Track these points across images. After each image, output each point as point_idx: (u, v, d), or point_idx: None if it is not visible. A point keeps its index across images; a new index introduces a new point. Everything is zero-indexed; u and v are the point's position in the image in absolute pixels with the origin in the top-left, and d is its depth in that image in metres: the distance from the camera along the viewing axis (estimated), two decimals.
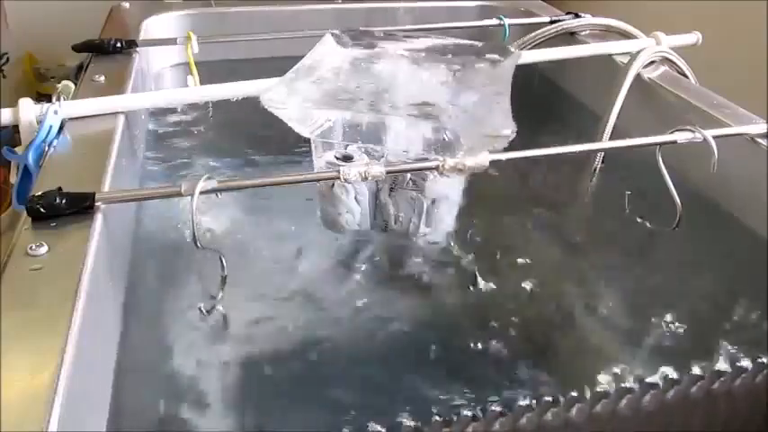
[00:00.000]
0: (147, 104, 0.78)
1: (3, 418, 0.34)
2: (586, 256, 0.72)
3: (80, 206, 0.50)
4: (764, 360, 0.57)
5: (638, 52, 0.88)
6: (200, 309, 0.57)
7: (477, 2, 1.18)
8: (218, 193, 0.52)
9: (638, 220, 0.71)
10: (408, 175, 0.59)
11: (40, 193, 0.50)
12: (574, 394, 0.52)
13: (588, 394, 0.53)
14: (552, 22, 1.02)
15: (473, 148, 0.55)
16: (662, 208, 0.63)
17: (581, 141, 0.66)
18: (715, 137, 0.62)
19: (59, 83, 0.73)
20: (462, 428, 0.50)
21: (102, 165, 0.58)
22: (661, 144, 0.62)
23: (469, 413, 0.50)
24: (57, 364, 0.38)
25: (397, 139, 0.58)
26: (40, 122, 0.63)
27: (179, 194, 0.51)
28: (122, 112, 0.70)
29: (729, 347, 0.58)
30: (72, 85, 0.74)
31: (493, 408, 0.51)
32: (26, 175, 0.59)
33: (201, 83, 0.83)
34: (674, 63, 0.90)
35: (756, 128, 0.70)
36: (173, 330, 0.58)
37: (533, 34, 1.00)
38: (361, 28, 0.77)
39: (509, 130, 0.54)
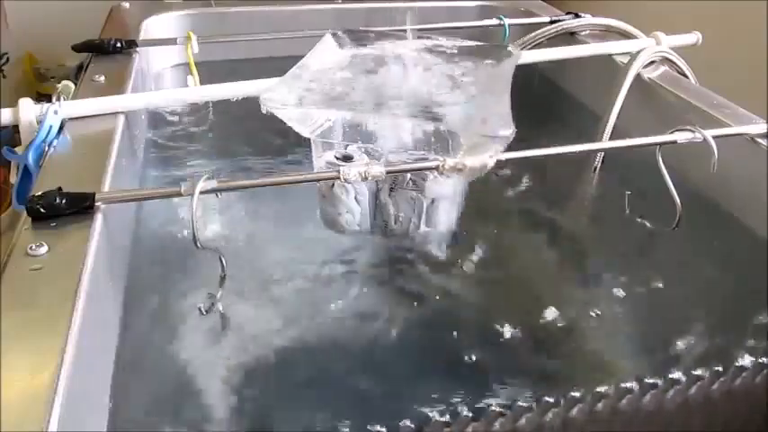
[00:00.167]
0: (147, 104, 0.78)
1: (3, 418, 0.34)
2: (586, 256, 0.72)
3: (80, 206, 0.50)
4: (764, 360, 0.57)
5: (638, 52, 0.88)
6: (199, 308, 0.57)
7: (477, 2, 1.18)
8: (219, 193, 0.52)
9: (638, 220, 0.71)
10: (408, 175, 0.59)
11: (40, 193, 0.50)
12: (574, 394, 0.52)
13: (588, 394, 0.53)
14: (552, 22, 1.02)
15: (473, 148, 0.55)
16: (662, 208, 0.63)
17: (581, 141, 0.66)
18: (715, 137, 0.62)
19: (59, 83, 0.73)
20: (462, 428, 0.50)
21: (102, 165, 0.58)
22: (661, 144, 0.62)
23: (470, 413, 0.50)
24: (57, 364, 0.38)
25: (397, 140, 0.58)
26: (40, 122, 0.63)
27: (179, 194, 0.51)
28: (122, 112, 0.70)
29: (729, 347, 0.58)
30: (72, 85, 0.74)
31: (493, 408, 0.51)
32: (26, 175, 0.59)
33: (201, 83, 0.83)
34: (674, 63, 0.90)
35: (756, 128, 0.70)
36: (173, 330, 0.58)
37: (533, 34, 1.00)
38: (361, 28, 0.77)
39: (509, 130, 0.54)
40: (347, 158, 0.58)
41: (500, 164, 0.56)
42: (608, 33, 1.01)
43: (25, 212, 0.50)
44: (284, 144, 0.82)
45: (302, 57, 0.67)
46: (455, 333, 0.60)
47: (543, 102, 1.06)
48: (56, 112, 0.64)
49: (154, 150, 0.86)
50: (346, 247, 0.69)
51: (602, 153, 0.81)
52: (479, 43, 0.74)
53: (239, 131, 0.91)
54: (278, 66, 0.65)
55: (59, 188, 0.51)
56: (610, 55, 0.92)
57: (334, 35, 0.73)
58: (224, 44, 0.98)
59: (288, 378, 0.55)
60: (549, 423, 0.52)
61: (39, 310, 0.41)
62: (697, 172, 0.70)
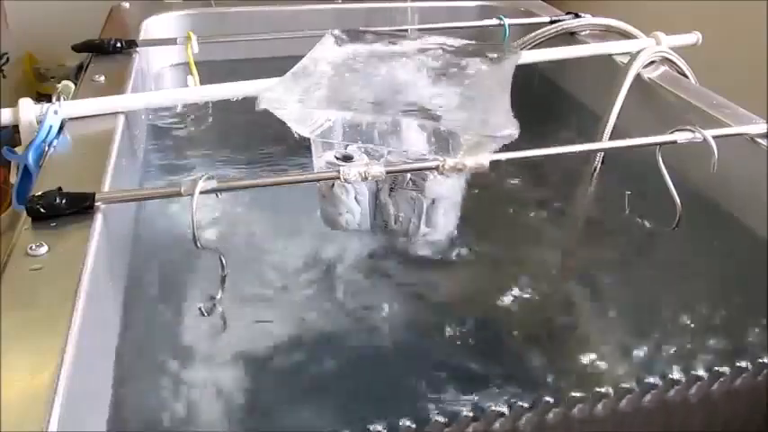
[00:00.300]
0: (147, 104, 0.78)
1: (3, 418, 0.34)
2: (586, 256, 0.72)
3: (80, 206, 0.50)
4: (764, 360, 0.57)
5: (638, 52, 0.88)
6: (199, 309, 0.57)
7: (477, 2, 1.18)
8: (219, 193, 0.52)
9: (638, 220, 0.71)
10: (408, 175, 0.59)
11: (40, 193, 0.50)
12: (574, 394, 0.52)
13: (588, 394, 0.53)
14: (552, 22, 1.02)
15: (473, 148, 0.55)
16: (662, 208, 0.63)
17: (581, 141, 0.66)
18: (715, 137, 0.62)
19: (59, 83, 0.73)
20: (462, 428, 0.50)
21: (102, 165, 0.58)
22: (661, 144, 0.62)
23: (470, 413, 0.50)
24: (57, 364, 0.37)
25: (396, 139, 0.58)
26: (40, 122, 0.63)
27: (179, 194, 0.51)
28: (122, 112, 0.70)
29: (729, 347, 0.58)
30: (72, 85, 0.74)
31: (493, 408, 0.51)
32: (26, 175, 0.59)
33: (201, 83, 0.83)
34: (674, 63, 0.90)
35: (756, 128, 0.70)
36: (173, 330, 0.58)
37: (533, 34, 1.00)
38: (361, 28, 0.77)
39: (509, 130, 0.54)
40: (347, 158, 0.58)
41: (500, 164, 0.56)
42: (608, 33, 1.01)
43: (25, 212, 0.50)
44: (284, 144, 0.82)
45: (302, 57, 0.67)
46: (455, 333, 0.60)
47: (543, 102, 1.06)
48: (56, 112, 0.64)
49: (154, 150, 0.85)
50: (346, 246, 0.69)
51: (602, 153, 0.81)
52: (479, 43, 0.74)
53: (239, 131, 0.91)
54: (278, 66, 0.65)
55: (59, 188, 0.51)
56: (610, 55, 0.92)
57: (334, 35, 0.73)
58: (224, 44, 0.98)
59: (288, 378, 0.55)
60: (549, 423, 0.52)
61: (39, 310, 0.41)
62: (697, 172, 0.70)
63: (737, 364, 0.56)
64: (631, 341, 0.59)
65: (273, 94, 0.58)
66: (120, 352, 0.52)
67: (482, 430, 0.50)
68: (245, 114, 0.73)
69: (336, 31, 0.74)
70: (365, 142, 0.58)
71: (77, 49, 0.87)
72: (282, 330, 0.59)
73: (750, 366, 0.56)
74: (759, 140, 0.69)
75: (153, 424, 0.50)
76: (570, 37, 1.01)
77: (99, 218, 0.51)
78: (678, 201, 0.61)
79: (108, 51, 0.86)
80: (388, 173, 0.54)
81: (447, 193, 0.61)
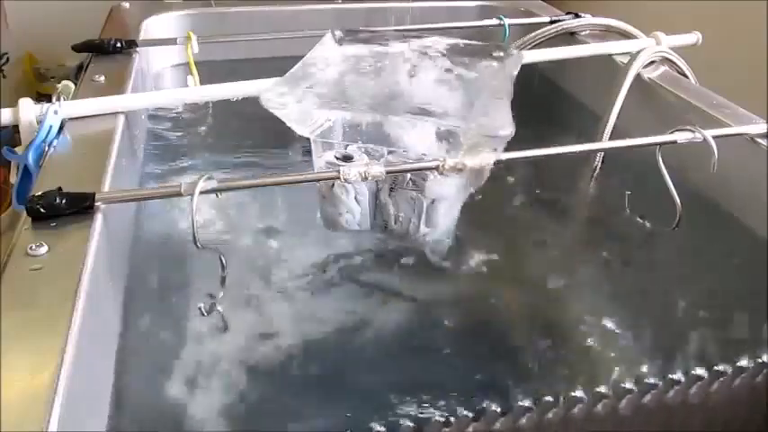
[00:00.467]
0: (147, 104, 0.78)
1: (3, 418, 0.34)
2: (586, 256, 0.72)
3: (80, 206, 0.50)
4: (764, 360, 0.57)
5: (638, 52, 0.88)
6: (200, 309, 0.57)
7: (477, 2, 1.18)
8: (218, 193, 0.52)
9: (638, 220, 0.71)
10: (408, 175, 0.59)
11: (40, 193, 0.50)
12: (574, 394, 0.52)
13: (588, 394, 0.53)
14: (552, 22, 1.02)
15: (473, 148, 0.55)
16: (662, 208, 0.63)
17: (581, 141, 0.66)
18: (715, 137, 0.62)
19: (59, 83, 0.73)
20: (462, 428, 0.50)
21: (102, 165, 0.58)
22: (661, 144, 0.62)
23: (470, 413, 0.50)
24: (57, 364, 0.37)
25: (396, 139, 0.58)
26: (40, 122, 0.63)
27: (179, 194, 0.51)
28: (122, 112, 0.70)
29: (729, 347, 0.58)
30: (72, 85, 0.74)
31: (492, 408, 0.51)
32: (26, 175, 0.59)
33: (201, 83, 0.83)
34: (674, 63, 0.90)
35: (756, 128, 0.70)
36: (173, 330, 0.58)
37: (533, 34, 1.00)
38: (360, 28, 0.77)
39: (509, 130, 0.54)
40: (347, 158, 0.58)
41: (500, 164, 0.56)
42: (608, 33, 1.01)
43: (25, 212, 0.50)
44: (284, 144, 0.82)
45: (302, 57, 0.67)
46: (455, 333, 0.60)
47: (543, 102, 1.06)
48: (56, 112, 0.64)
49: (154, 150, 0.85)
50: (346, 246, 0.69)
51: (602, 153, 0.81)
52: (480, 43, 0.74)
53: (239, 131, 0.91)
54: (278, 66, 0.65)
55: (59, 188, 0.51)
56: (610, 55, 0.92)
57: (334, 35, 0.73)
58: (224, 44, 0.98)
59: (288, 378, 0.55)
60: (549, 423, 0.52)
61: (39, 310, 0.41)
62: (697, 172, 0.70)
63: (737, 363, 0.56)
64: (631, 341, 0.59)
65: (273, 94, 0.58)
66: (120, 352, 0.52)
67: (482, 430, 0.50)
68: (246, 114, 0.73)
69: (336, 31, 0.74)
70: (365, 142, 0.58)
71: (77, 49, 0.87)
72: (282, 330, 0.59)
73: (750, 366, 0.56)
74: (759, 140, 0.69)
75: (153, 424, 0.50)
76: (570, 37, 1.01)
77: (99, 218, 0.51)
78: (678, 201, 0.61)
79: (108, 51, 0.86)
80: (388, 173, 0.54)
81: (447, 193, 0.61)
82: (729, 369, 0.56)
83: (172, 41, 0.92)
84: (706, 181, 0.73)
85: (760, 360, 0.56)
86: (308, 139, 0.59)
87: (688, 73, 0.90)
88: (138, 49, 0.89)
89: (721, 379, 0.55)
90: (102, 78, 0.78)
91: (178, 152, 0.87)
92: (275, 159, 0.85)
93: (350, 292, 0.65)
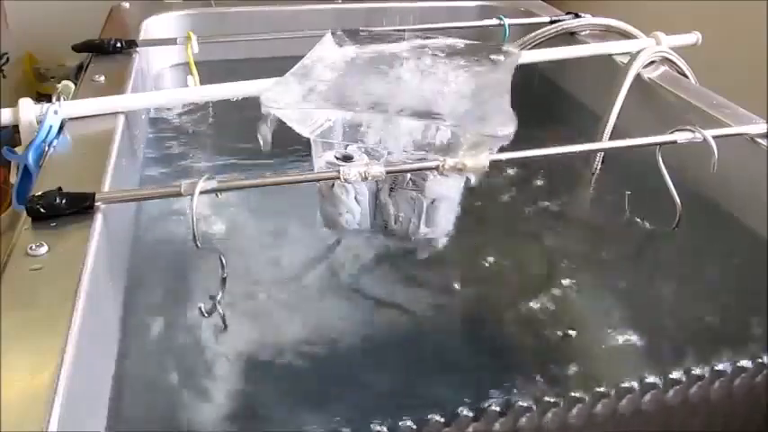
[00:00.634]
0: (147, 104, 0.78)
1: (3, 418, 0.34)
2: (586, 256, 0.72)
3: (80, 206, 0.50)
4: (764, 360, 0.57)
5: (638, 52, 0.88)
6: (200, 309, 0.57)
7: (477, 2, 1.18)
8: (218, 193, 0.52)
9: (638, 220, 0.71)
10: (408, 175, 0.59)
11: (40, 193, 0.50)
12: (574, 394, 0.52)
13: (588, 394, 0.53)
14: (552, 22, 1.02)
15: (473, 148, 0.55)
16: (662, 208, 0.63)
17: (581, 141, 0.66)
18: (715, 137, 0.62)
19: (59, 83, 0.73)
20: (462, 428, 0.50)
21: (102, 165, 0.58)
22: (661, 144, 0.62)
23: (470, 413, 0.50)
24: (57, 364, 0.38)
25: (396, 139, 0.58)
26: (40, 122, 0.63)
27: (179, 194, 0.51)
28: (122, 112, 0.70)
29: (729, 347, 0.58)
30: (72, 85, 0.74)
31: (493, 408, 0.51)
32: (26, 175, 0.59)
33: (201, 83, 0.83)
34: (674, 63, 0.90)
35: (756, 128, 0.70)
36: (173, 330, 0.58)
37: (533, 34, 1.00)
38: (360, 28, 0.77)
39: (509, 130, 0.54)
40: (347, 158, 0.58)
41: (500, 164, 0.56)
42: (608, 33, 1.01)
43: (25, 212, 0.50)
44: (283, 144, 0.82)
45: (302, 57, 0.67)
46: (455, 333, 0.60)
47: (543, 102, 1.06)
48: (56, 112, 0.64)
49: (153, 150, 0.85)
50: (346, 246, 0.69)
51: (602, 153, 0.81)
52: (479, 43, 0.74)
53: (239, 131, 0.91)
54: (278, 66, 0.65)
55: (59, 188, 0.51)
56: (610, 55, 0.92)
57: (334, 35, 0.73)
58: (224, 44, 0.98)
59: (288, 378, 0.55)
60: (548, 423, 0.52)
61: (39, 310, 0.41)
62: (697, 172, 0.70)
63: (737, 363, 0.56)
64: (631, 341, 0.59)
65: (273, 94, 0.58)
66: (119, 352, 0.52)
67: (482, 430, 0.50)
68: (245, 114, 0.73)
69: (336, 31, 0.74)
70: (365, 142, 0.58)
71: (77, 49, 0.87)
72: (282, 330, 0.59)
73: (750, 366, 0.56)
74: (759, 140, 0.69)
75: (152, 424, 0.50)
76: (570, 37, 1.01)
77: (99, 218, 0.51)
78: (678, 201, 0.61)
79: (108, 51, 0.86)
80: (388, 173, 0.54)
81: (447, 193, 0.61)
82: (729, 369, 0.56)
83: (172, 41, 0.92)
84: (706, 181, 0.73)
85: (760, 360, 0.56)
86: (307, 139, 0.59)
87: (688, 73, 0.90)
88: (138, 49, 0.89)
89: (721, 379, 0.55)
90: (102, 78, 0.78)
91: (178, 152, 0.87)
92: (275, 159, 0.85)
93: (350, 293, 0.65)
